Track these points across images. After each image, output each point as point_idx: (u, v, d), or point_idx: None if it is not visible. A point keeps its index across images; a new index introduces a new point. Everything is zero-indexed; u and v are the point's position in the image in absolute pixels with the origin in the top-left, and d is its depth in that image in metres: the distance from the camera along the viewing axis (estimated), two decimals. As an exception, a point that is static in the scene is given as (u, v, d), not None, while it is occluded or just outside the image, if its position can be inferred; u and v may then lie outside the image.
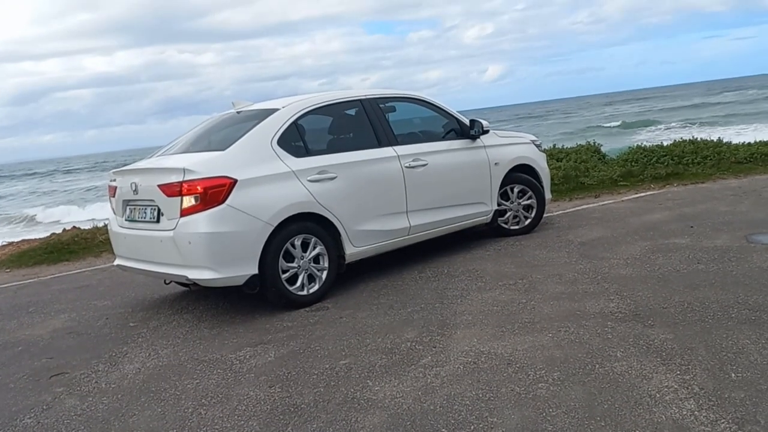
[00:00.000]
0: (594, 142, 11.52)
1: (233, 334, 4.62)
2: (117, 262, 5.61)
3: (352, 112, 5.88)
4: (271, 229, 4.81)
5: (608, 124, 37.79)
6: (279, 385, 3.62)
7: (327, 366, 3.83)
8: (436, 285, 5.32)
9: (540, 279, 5.14)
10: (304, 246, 5.05)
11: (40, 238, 10.54)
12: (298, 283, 5.00)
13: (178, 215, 4.70)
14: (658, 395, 3.04)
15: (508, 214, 6.74)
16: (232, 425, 3.21)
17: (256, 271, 4.76)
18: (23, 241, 11.17)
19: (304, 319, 4.78)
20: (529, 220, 6.85)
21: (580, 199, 8.96)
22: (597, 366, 3.42)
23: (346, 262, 5.34)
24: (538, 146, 7.15)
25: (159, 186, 4.82)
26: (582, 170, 9.84)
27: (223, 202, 4.66)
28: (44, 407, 3.69)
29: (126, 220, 5.33)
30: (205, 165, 4.84)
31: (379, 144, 5.69)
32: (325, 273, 5.16)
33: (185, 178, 4.69)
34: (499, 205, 6.58)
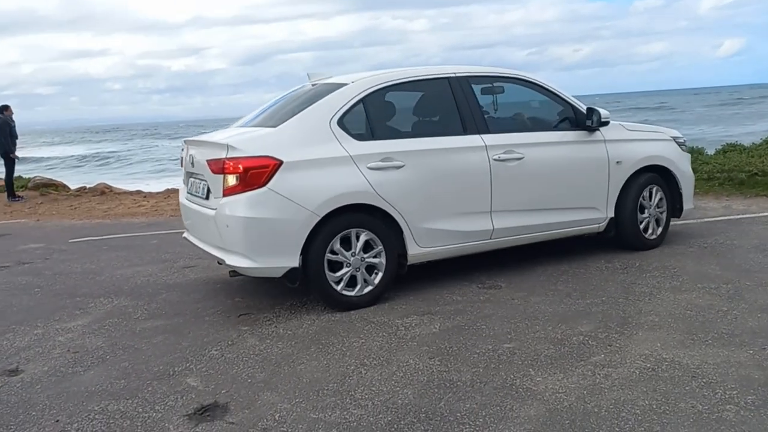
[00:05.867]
0: None
1: (403, 300, 4.67)
2: (184, 234, 5.37)
3: (435, 91, 5.10)
4: (318, 219, 4.31)
5: None
6: (439, 358, 3.60)
7: (490, 347, 3.71)
8: (624, 278, 4.90)
9: (749, 286, 4.49)
10: (357, 242, 4.50)
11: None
12: (346, 282, 4.48)
13: (221, 194, 4.36)
14: None
15: (650, 223, 5.66)
16: (388, 389, 3.26)
17: (296, 264, 4.32)
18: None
19: (474, 295, 4.69)
20: (657, 232, 5.73)
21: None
22: (806, 398, 2.90)
23: (409, 263, 4.72)
24: (680, 144, 5.95)
25: (207, 161, 4.52)
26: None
27: (264, 185, 4.22)
28: (229, 342, 4.06)
29: (188, 192, 5.12)
30: (249, 142, 4.47)
31: (465, 131, 4.89)
32: (380, 274, 4.57)
33: (228, 155, 4.31)
34: (640, 210, 5.56)
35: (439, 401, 3.10)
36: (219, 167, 4.34)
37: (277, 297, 4.97)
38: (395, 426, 2.90)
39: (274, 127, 4.60)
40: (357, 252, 4.48)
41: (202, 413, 3.13)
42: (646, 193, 5.60)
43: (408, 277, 5.09)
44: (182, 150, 5.28)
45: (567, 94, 5.46)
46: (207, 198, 4.60)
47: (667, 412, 2.86)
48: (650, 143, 5.75)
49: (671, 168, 5.73)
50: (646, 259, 5.36)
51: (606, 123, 5.33)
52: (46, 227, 9.62)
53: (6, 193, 12.32)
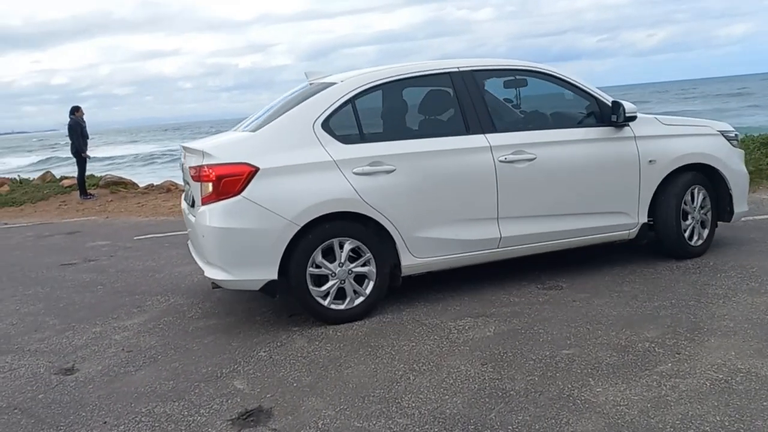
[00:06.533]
0: None
1: (457, 301, 4.51)
2: (188, 241, 5.20)
3: (434, 88, 4.75)
4: (297, 229, 4.05)
5: None
6: (492, 365, 3.43)
7: (547, 353, 3.51)
8: (696, 279, 4.58)
9: (838, 289, 4.10)
10: (346, 252, 4.22)
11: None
12: (334, 296, 4.22)
13: (200, 203, 4.19)
14: None
15: (695, 229, 5.08)
16: (436, 398, 3.12)
17: (274, 276, 4.08)
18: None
19: (533, 296, 4.48)
20: (702, 238, 5.13)
21: None
22: None
23: (404, 275, 4.41)
24: (730, 139, 5.24)
25: (189, 168, 4.41)
26: None
27: (238, 193, 4.01)
28: (278, 344, 4.01)
29: (183, 199, 5.05)
30: (224, 148, 4.31)
31: (467, 130, 4.49)
32: (370, 286, 4.29)
33: (204, 162, 4.13)
34: (683, 216, 4.98)
35: (489, 412, 2.94)
36: (197, 174, 4.18)
37: (329, 296, 4.90)
38: (442, 438, 2.76)
39: (254, 131, 4.41)
40: (343, 263, 4.21)
41: (245, 418, 3.08)
42: (688, 196, 5.01)
43: (465, 276, 4.92)
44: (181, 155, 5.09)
45: (591, 86, 4.93)
46: (193, 206, 4.44)
47: (741, 429, 2.61)
48: (691, 138, 5.09)
49: (718, 166, 5.06)
50: (721, 258, 5.00)
51: (633, 118, 4.77)
52: (114, 224, 9.95)
53: (78, 191, 12.83)
